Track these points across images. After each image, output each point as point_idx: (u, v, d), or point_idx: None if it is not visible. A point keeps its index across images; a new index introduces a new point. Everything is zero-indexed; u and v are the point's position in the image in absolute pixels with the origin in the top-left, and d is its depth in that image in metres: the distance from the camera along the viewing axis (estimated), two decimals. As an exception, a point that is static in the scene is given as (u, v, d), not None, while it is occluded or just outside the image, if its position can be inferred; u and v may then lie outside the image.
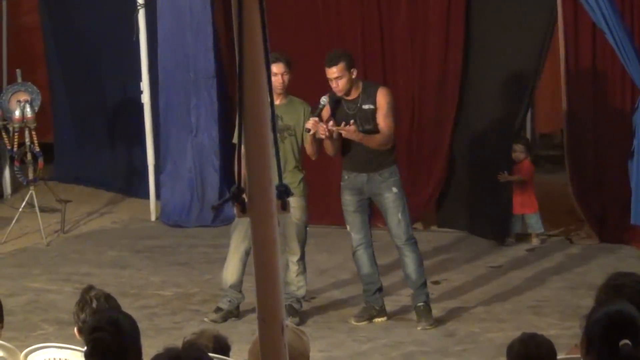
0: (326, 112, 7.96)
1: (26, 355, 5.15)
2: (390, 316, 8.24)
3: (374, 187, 7.98)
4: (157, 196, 11.51)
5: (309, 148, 8.03)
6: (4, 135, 11.00)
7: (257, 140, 2.79)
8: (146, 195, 11.65)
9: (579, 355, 3.78)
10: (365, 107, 7.89)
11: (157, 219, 11.49)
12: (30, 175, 10.81)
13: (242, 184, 2.81)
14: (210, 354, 4.71)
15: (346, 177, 8.09)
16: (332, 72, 7.79)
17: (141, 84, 11.32)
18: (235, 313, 8.27)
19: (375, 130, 7.88)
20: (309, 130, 7.83)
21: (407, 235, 7.98)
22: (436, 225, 10.80)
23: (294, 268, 8.15)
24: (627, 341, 3.52)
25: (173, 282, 9.31)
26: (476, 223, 10.41)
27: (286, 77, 8.02)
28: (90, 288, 4.96)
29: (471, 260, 9.69)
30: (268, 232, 2.83)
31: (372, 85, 8.04)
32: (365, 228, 8.08)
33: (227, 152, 10.74)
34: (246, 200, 2.79)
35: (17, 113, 10.74)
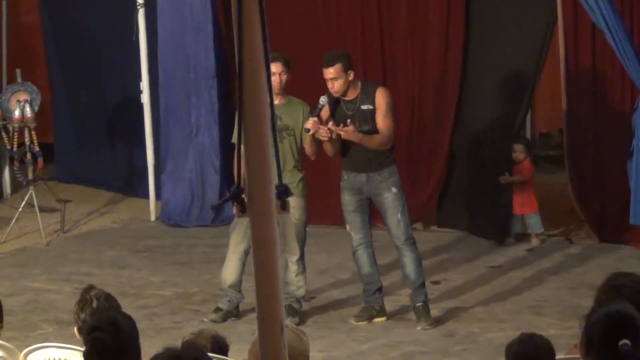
0: (325, 113, 7.96)
1: (26, 355, 5.15)
2: (390, 316, 8.24)
3: (373, 187, 7.98)
4: (157, 196, 11.51)
5: (308, 148, 8.03)
6: (4, 135, 11.00)
7: (256, 140, 2.79)
8: (146, 195, 11.65)
9: (578, 355, 3.78)
10: (364, 107, 7.89)
11: (157, 218, 11.49)
12: (30, 175, 10.81)
13: (242, 184, 2.81)
14: (209, 354, 4.72)
15: (345, 177, 8.09)
16: (329, 72, 7.81)
17: (141, 83, 11.32)
18: (234, 313, 8.27)
19: (374, 130, 7.88)
20: (308, 131, 7.83)
21: (407, 235, 7.98)
22: (436, 225, 10.79)
23: (293, 268, 8.15)
24: (626, 341, 3.52)
25: (173, 282, 9.31)
26: (476, 223, 10.41)
27: (284, 77, 8.01)
28: (90, 288, 4.96)
29: (471, 260, 9.69)
30: (268, 232, 2.83)
31: (370, 86, 8.04)
32: (365, 228, 8.08)
33: (228, 152, 10.74)
34: (246, 200, 2.80)
35: (17, 113, 10.74)
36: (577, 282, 8.92)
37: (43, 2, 13.11)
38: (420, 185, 10.61)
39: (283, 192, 2.83)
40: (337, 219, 9.96)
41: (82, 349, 4.25)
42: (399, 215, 7.94)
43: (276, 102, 7.75)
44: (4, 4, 13.13)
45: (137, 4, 11.15)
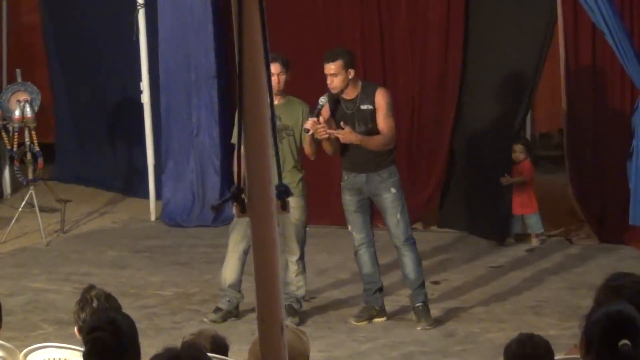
0: (326, 112, 7.97)
1: (26, 355, 5.15)
2: (390, 316, 8.24)
3: (373, 188, 7.98)
4: (157, 196, 11.51)
5: (307, 148, 8.03)
6: (4, 135, 11.00)
7: (256, 140, 2.79)
8: (146, 195, 11.65)
9: (578, 356, 3.78)
10: (364, 107, 7.89)
11: (157, 219, 11.49)
12: (30, 175, 10.81)
13: (242, 184, 2.81)
14: (209, 354, 4.72)
15: (346, 177, 8.10)
16: (329, 68, 7.81)
17: (141, 83, 11.32)
18: (234, 313, 8.27)
19: (373, 130, 7.88)
20: (307, 131, 7.83)
21: (406, 236, 7.98)
22: (436, 225, 10.79)
23: (293, 268, 8.15)
24: (626, 341, 3.52)
25: (173, 282, 9.31)
26: (476, 223, 10.41)
27: (282, 77, 8.01)
28: (91, 287, 4.96)
29: (471, 261, 9.69)
30: (268, 232, 2.83)
31: (371, 86, 8.04)
32: (367, 228, 8.09)
33: (228, 152, 10.74)
34: (245, 200, 2.80)
35: (17, 113, 10.74)
36: (577, 283, 8.92)
37: (43, 2, 13.12)
38: (420, 185, 10.61)
39: (283, 192, 2.83)
40: (337, 219, 9.97)
41: (82, 349, 4.25)
42: (398, 216, 7.94)
43: (275, 102, 7.74)
44: (4, 3, 13.13)
45: (138, 4, 11.15)
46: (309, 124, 7.82)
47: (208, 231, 10.88)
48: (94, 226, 11.38)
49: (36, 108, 10.85)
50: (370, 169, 7.95)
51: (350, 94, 7.92)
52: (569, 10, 9.80)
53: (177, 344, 3.87)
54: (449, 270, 9.43)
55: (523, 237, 10.24)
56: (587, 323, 3.65)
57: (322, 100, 7.90)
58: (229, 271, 8.20)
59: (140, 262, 9.97)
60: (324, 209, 10.20)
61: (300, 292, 8.22)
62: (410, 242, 8.00)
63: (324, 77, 7.96)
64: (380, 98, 7.88)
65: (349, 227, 8.15)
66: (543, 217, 10.22)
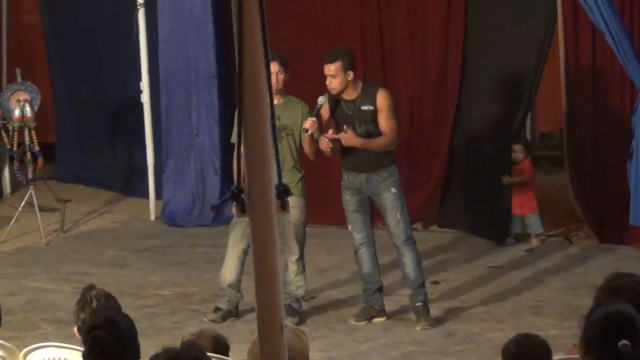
0: (326, 112, 7.98)
1: (25, 355, 5.16)
2: (390, 316, 8.24)
3: (373, 187, 7.99)
4: (157, 196, 11.51)
5: (306, 148, 8.03)
6: (4, 134, 11.00)
7: (256, 140, 2.79)
8: (146, 195, 11.65)
9: (577, 356, 3.78)
10: (364, 108, 7.89)
11: (156, 218, 11.49)
12: (30, 175, 10.81)
13: (242, 184, 2.81)
14: (209, 354, 4.72)
15: (345, 177, 8.10)
16: (328, 69, 7.82)
17: (141, 83, 11.32)
18: (234, 312, 8.27)
19: (374, 130, 7.88)
20: (306, 131, 7.84)
21: (406, 235, 7.98)
22: (436, 225, 10.79)
23: (292, 268, 8.15)
24: (625, 341, 3.52)
25: (172, 281, 9.31)
26: (476, 223, 10.41)
27: (281, 77, 8.01)
28: (90, 287, 4.97)
29: (470, 261, 9.69)
30: (267, 231, 2.83)
31: (371, 86, 8.04)
32: (367, 227, 8.09)
33: (228, 152, 10.74)
34: (245, 200, 2.80)
35: (17, 112, 10.74)
36: (577, 283, 8.92)
37: (43, 1, 13.12)
38: (420, 185, 10.61)
39: (283, 192, 2.83)
40: (337, 219, 9.97)
41: (82, 348, 4.26)
42: (398, 215, 7.94)
43: (275, 102, 7.75)
44: (4, 3, 13.13)
45: (138, 3, 11.15)
46: (307, 123, 7.82)
47: (208, 231, 10.88)
48: (93, 226, 11.38)
49: (36, 107, 10.85)
50: (370, 169, 7.96)
51: (350, 94, 7.92)
52: (569, 11, 9.80)
53: (177, 343, 3.88)
54: (449, 270, 9.43)
55: (523, 237, 10.24)
56: (587, 323, 3.65)
57: (321, 99, 7.90)
58: (229, 271, 8.20)
59: (140, 261, 9.97)
60: (323, 209, 10.20)
61: (300, 292, 8.22)
62: (410, 241, 8.00)
63: (323, 77, 7.96)
64: (382, 99, 7.88)
65: (349, 227, 8.15)
66: (543, 217, 10.22)
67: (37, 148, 10.77)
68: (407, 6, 10.52)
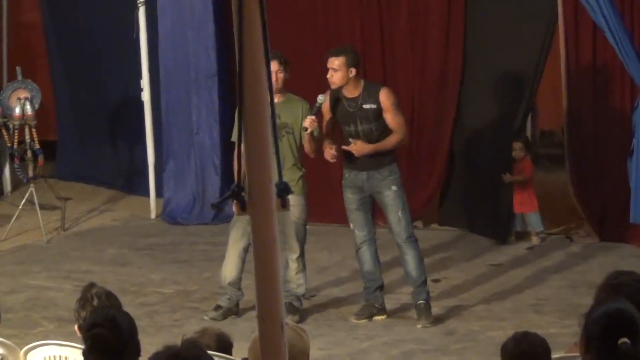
0: (326, 111, 7.99)
1: (26, 353, 5.16)
2: (390, 314, 8.24)
3: (374, 185, 7.99)
4: (158, 194, 11.51)
5: (307, 146, 8.03)
6: (4, 132, 11.00)
7: (256, 138, 2.80)
8: (146, 193, 11.65)
9: (578, 354, 3.78)
10: (366, 106, 7.90)
11: (157, 216, 11.49)
12: (30, 173, 10.81)
13: (242, 182, 2.81)
14: (212, 352, 4.72)
15: (347, 175, 8.10)
16: (332, 62, 7.83)
17: (141, 82, 11.32)
18: (234, 310, 8.27)
19: (375, 129, 7.89)
20: (306, 129, 7.84)
21: (408, 233, 7.99)
22: (437, 223, 10.80)
23: (293, 266, 8.15)
24: (626, 340, 3.52)
25: (173, 279, 9.32)
26: (477, 222, 10.41)
27: (281, 75, 8.01)
28: (91, 285, 4.97)
29: (471, 259, 9.69)
30: (268, 230, 2.83)
31: (373, 85, 8.05)
32: (369, 225, 8.09)
33: (228, 150, 10.74)
34: (246, 198, 2.80)
35: (17, 110, 10.74)
36: (578, 281, 8.92)
37: (44, 0, 13.11)
38: (420, 184, 10.61)
39: (283, 190, 2.83)
40: (338, 217, 9.97)
41: (83, 346, 4.26)
42: (399, 213, 7.95)
43: (275, 100, 7.74)
44: (4, 1, 13.13)
45: (138, 2, 11.15)
46: (307, 122, 7.83)
47: (208, 229, 10.89)
48: (94, 224, 11.38)
49: (36, 106, 10.85)
50: (371, 167, 7.96)
51: (352, 92, 7.93)
52: (570, 9, 9.79)
53: (177, 341, 3.87)
54: (450, 268, 9.43)
55: (523, 235, 10.24)
56: (587, 321, 3.65)
57: (321, 98, 7.91)
58: (229, 269, 8.20)
59: (140, 259, 9.97)
60: (324, 207, 10.20)
61: (301, 290, 8.22)
62: (412, 239, 8.00)
63: (323, 76, 7.97)
64: (385, 98, 7.89)
65: (351, 225, 8.16)
66: (543, 215, 10.22)
67: (37, 146, 10.77)
68: (408, 6, 10.52)
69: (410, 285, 8.14)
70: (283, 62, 8.02)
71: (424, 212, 10.71)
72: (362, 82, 7.99)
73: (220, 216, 10.84)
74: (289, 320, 5.87)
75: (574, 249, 9.96)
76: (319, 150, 8.07)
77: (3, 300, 8.73)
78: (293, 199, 7.77)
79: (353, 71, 7.85)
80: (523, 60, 9.94)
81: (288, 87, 8.17)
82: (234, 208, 2.84)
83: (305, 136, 7.95)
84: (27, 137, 10.78)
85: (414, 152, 10.65)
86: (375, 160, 7.95)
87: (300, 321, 7.88)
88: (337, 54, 7.85)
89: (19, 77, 11.06)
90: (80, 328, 4.74)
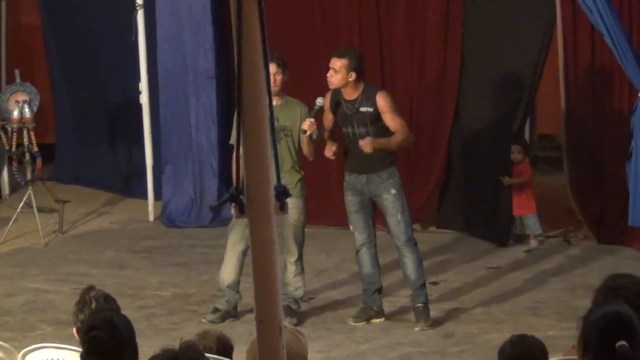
0: (329, 113, 8.01)
1: (24, 356, 5.15)
2: (388, 317, 8.24)
3: (373, 189, 7.99)
4: (156, 197, 11.51)
5: (305, 149, 8.03)
6: (3, 135, 10.99)
7: (255, 141, 2.80)
8: (145, 196, 11.64)
9: (576, 357, 3.78)
10: (363, 109, 7.90)
11: (155, 219, 11.48)
12: (29, 176, 10.80)
13: (240, 185, 2.81)
14: (212, 355, 4.73)
15: (347, 177, 8.11)
16: (334, 62, 7.85)
17: (140, 84, 11.32)
18: (233, 313, 8.26)
19: (372, 132, 7.89)
20: (305, 132, 7.84)
21: (407, 236, 7.99)
22: (435, 226, 10.79)
23: (291, 269, 8.15)
24: (623, 342, 3.52)
25: (171, 282, 9.31)
26: (476, 225, 10.41)
27: (279, 78, 8.01)
28: (90, 288, 4.97)
29: (469, 261, 9.69)
30: (266, 232, 2.83)
31: (372, 89, 8.04)
32: (369, 228, 8.09)
33: (226, 153, 10.75)
34: (244, 201, 2.80)
35: (16, 113, 10.73)
36: (576, 284, 8.92)
37: (43, 2, 13.11)
38: (418, 186, 10.61)
39: (281, 193, 2.83)
40: (336, 220, 9.98)
41: (80, 349, 4.26)
42: (398, 216, 7.95)
43: (273, 102, 7.75)
44: (3, 4, 13.12)
45: (137, 4, 11.14)
46: (306, 124, 7.83)
47: (206, 232, 10.88)
48: (92, 226, 11.37)
49: (35, 108, 10.84)
50: (370, 170, 7.97)
51: (351, 95, 7.94)
52: (568, 11, 9.80)
53: (175, 344, 3.88)
54: (448, 271, 9.43)
55: (522, 238, 10.24)
56: (585, 324, 3.65)
57: (320, 101, 7.92)
58: (228, 272, 8.19)
59: (138, 262, 9.97)
60: (322, 210, 10.20)
61: (299, 293, 8.22)
62: (411, 242, 8.01)
63: (322, 77, 7.97)
64: (382, 101, 7.90)
65: (351, 227, 8.16)
66: (541, 218, 10.21)
67: (35, 149, 10.76)
68: (406, 7, 10.52)
69: (409, 288, 8.14)
70: (282, 65, 8.02)
71: (422, 214, 10.70)
72: (362, 85, 7.99)
73: (218, 219, 10.84)
74: (287, 323, 5.88)
75: (572, 251, 9.96)
76: (317, 153, 8.07)
77: (1, 304, 8.73)
78: (291, 202, 7.76)
79: (353, 75, 7.85)
80: (522, 62, 9.94)
81: (287, 89, 8.17)
82: (233, 211, 2.84)
83: (304, 139, 7.95)
84: (26, 140, 10.77)
85: (412, 153, 10.63)
86: (374, 163, 7.94)
87: (298, 324, 7.88)
88: (340, 56, 7.85)
89: (18, 80, 11.05)
90: (78, 331, 4.74)
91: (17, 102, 10.78)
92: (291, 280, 8.16)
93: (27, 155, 10.77)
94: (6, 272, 9.67)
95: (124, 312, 4.69)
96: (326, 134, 8.12)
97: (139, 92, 11.34)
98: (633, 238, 9.68)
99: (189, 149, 11.29)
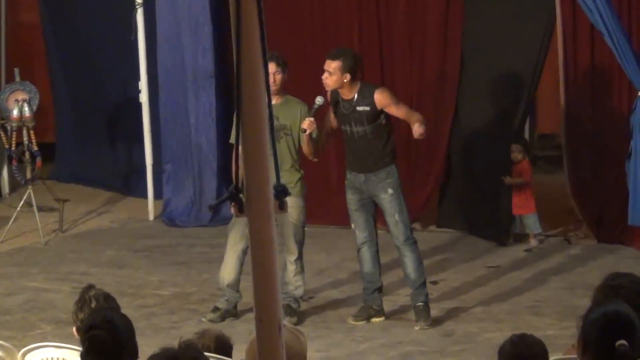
0: (330, 112, 8.03)
1: (24, 355, 5.16)
2: (388, 316, 8.24)
3: (372, 188, 8.00)
4: (156, 196, 11.51)
5: (305, 148, 8.03)
6: (2, 134, 11.00)
7: (254, 140, 2.79)
8: (145, 195, 11.64)
9: (575, 356, 3.78)
10: (360, 108, 7.91)
11: (155, 218, 11.48)
12: (28, 175, 10.80)
13: (240, 184, 2.81)
14: (211, 354, 4.72)
15: (348, 176, 8.13)
16: (328, 64, 7.86)
17: (139, 83, 11.32)
18: (233, 312, 8.26)
19: (370, 131, 7.90)
20: (305, 131, 7.84)
21: (405, 236, 7.98)
22: (435, 225, 10.79)
23: (291, 268, 8.15)
24: (623, 341, 3.52)
25: (171, 281, 9.31)
26: (475, 224, 10.40)
27: (278, 77, 8.01)
28: (89, 287, 4.97)
29: (469, 261, 9.69)
30: (266, 232, 2.83)
31: (368, 87, 8.04)
32: (370, 227, 8.09)
33: (225, 152, 10.75)
34: (244, 200, 2.80)
35: (15, 112, 10.73)
36: (576, 283, 8.92)
37: (42, 1, 13.11)
38: (418, 185, 10.61)
39: (281, 192, 2.83)
40: (336, 219, 9.98)
41: (80, 348, 4.26)
42: (396, 216, 7.95)
43: (273, 102, 7.75)
44: (2, 2, 13.12)
45: (136, 3, 11.14)
46: (306, 124, 7.83)
47: (206, 231, 10.88)
48: (92, 226, 11.37)
49: (34, 107, 10.84)
50: (369, 169, 7.97)
51: (348, 94, 7.94)
52: (568, 11, 9.80)
53: (175, 343, 3.87)
54: (448, 270, 9.43)
55: (521, 238, 10.24)
56: (584, 323, 3.65)
57: (319, 100, 7.91)
58: (228, 271, 8.19)
59: (138, 261, 9.97)
60: (322, 209, 10.20)
61: (299, 292, 8.22)
62: (410, 242, 8.00)
63: (321, 77, 7.97)
64: (382, 98, 7.91)
65: (352, 225, 8.17)
66: (541, 217, 10.21)
67: (35, 148, 10.76)
68: (406, 6, 10.52)
69: (409, 287, 8.14)
70: (281, 64, 8.02)
71: (422, 214, 10.70)
72: (359, 84, 7.99)
73: (218, 218, 10.84)
74: (287, 322, 5.88)
75: (572, 251, 9.96)
76: (317, 153, 8.07)
77: (1, 302, 8.74)
78: (291, 201, 7.76)
79: (347, 77, 7.84)
80: (521, 61, 9.94)
81: (286, 88, 8.16)
82: (232, 210, 2.84)
83: (304, 138, 7.95)
84: (25, 139, 10.77)
85: (412, 153, 10.64)
86: (372, 162, 7.95)
87: (298, 323, 7.87)
88: (334, 58, 7.85)
89: (17, 79, 11.05)
90: (78, 330, 4.74)
91: (17, 101, 10.78)
92: (291, 279, 8.16)
93: (27, 154, 10.77)
94: (6, 271, 9.67)
95: (123, 311, 4.69)
96: (326, 135, 8.13)
97: (139, 91, 11.34)
98: (633, 237, 9.69)
99: (188, 148, 11.29)
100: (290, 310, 8.05)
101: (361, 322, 8.13)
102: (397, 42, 10.62)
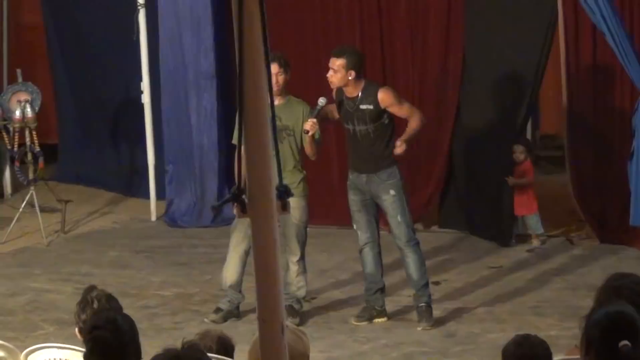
0: (335, 111, 8.03)
1: (26, 355, 5.16)
2: (391, 316, 8.24)
3: (373, 189, 8.00)
4: (158, 196, 11.51)
5: (307, 149, 8.03)
6: (5, 135, 11.00)
7: (257, 141, 2.80)
8: (147, 196, 11.64)
9: (578, 356, 3.78)
10: (363, 107, 7.92)
11: (157, 219, 11.48)
12: (31, 175, 10.80)
13: (242, 185, 2.81)
14: (214, 355, 4.72)
15: (350, 176, 8.14)
16: (333, 62, 7.89)
17: (141, 84, 11.32)
18: (235, 313, 8.26)
19: (372, 130, 7.89)
20: (307, 132, 7.84)
21: (408, 237, 7.98)
22: (437, 225, 10.79)
23: (294, 268, 8.15)
24: (626, 342, 3.52)
25: (173, 282, 9.31)
26: (478, 224, 10.40)
27: (281, 78, 8.01)
28: (92, 288, 4.97)
29: (472, 261, 9.68)
30: (268, 232, 2.83)
31: (372, 86, 8.05)
32: (372, 227, 8.09)
33: (227, 152, 10.74)
34: (246, 200, 2.80)
35: (18, 113, 10.73)
36: (578, 283, 8.92)
37: (45, 1, 13.11)
38: (420, 185, 10.60)
39: (283, 193, 2.83)
40: (338, 220, 9.97)
41: (83, 349, 4.26)
42: (398, 218, 7.95)
43: (275, 102, 7.74)
44: (5, 3, 13.13)
45: (138, 4, 11.15)
46: (308, 124, 7.84)
47: (208, 231, 10.88)
48: (94, 226, 11.37)
49: (37, 108, 10.84)
50: (370, 170, 7.97)
51: (352, 92, 7.96)
52: (570, 11, 9.79)
53: (178, 344, 3.88)
54: (450, 270, 9.42)
55: (524, 238, 10.24)
56: (587, 323, 3.65)
57: (322, 101, 7.92)
58: (230, 272, 8.19)
59: (140, 262, 9.97)
60: (324, 209, 10.19)
61: (301, 293, 8.22)
62: (412, 243, 8.00)
63: (324, 77, 7.98)
64: (385, 97, 7.92)
65: (354, 226, 8.17)
66: (543, 217, 10.21)
67: (37, 149, 10.76)
68: (407, 5, 10.52)
69: (411, 288, 8.13)
70: (283, 64, 8.02)
71: (424, 214, 10.69)
72: (363, 82, 7.99)
73: (220, 218, 10.84)
74: (289, 322, 5.88)
75: (575, 251, 9.96)
76: (320, 153, 8.08)
77: (3, 303, 8.74)
78: (294, 202, 7.77)
79: (352, 74, 7.86)
80: (524, 61, 9.93)
81: (289, 89, 8.17)
82: (235, 210, 2.84)
83: (306, 139, 7.95)
84: (28, 139, 10.77)
85: (413, 153, 10.62)
86: (373, 163, 7.95)
87: (300, 324, 7.87)
88: (338, 55, 7.87)
89: (20, 80, 11.05)
90: (80, 331, 4.74)
91: (19, 101, 10.78)
92: (293, 279, 8.16)
93: (29, 155, 10.77)
94: (9, 272, 9.67)
95: (126, 311, 4.69)
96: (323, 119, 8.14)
97: (141, 92, 11.34)
98: (635, 238, 9.68)
99: (190, 148, 11.29)
100: (292, 311, 8.05)
101: (363, 323, 8.13)
102: (399, 42, 10.61)
